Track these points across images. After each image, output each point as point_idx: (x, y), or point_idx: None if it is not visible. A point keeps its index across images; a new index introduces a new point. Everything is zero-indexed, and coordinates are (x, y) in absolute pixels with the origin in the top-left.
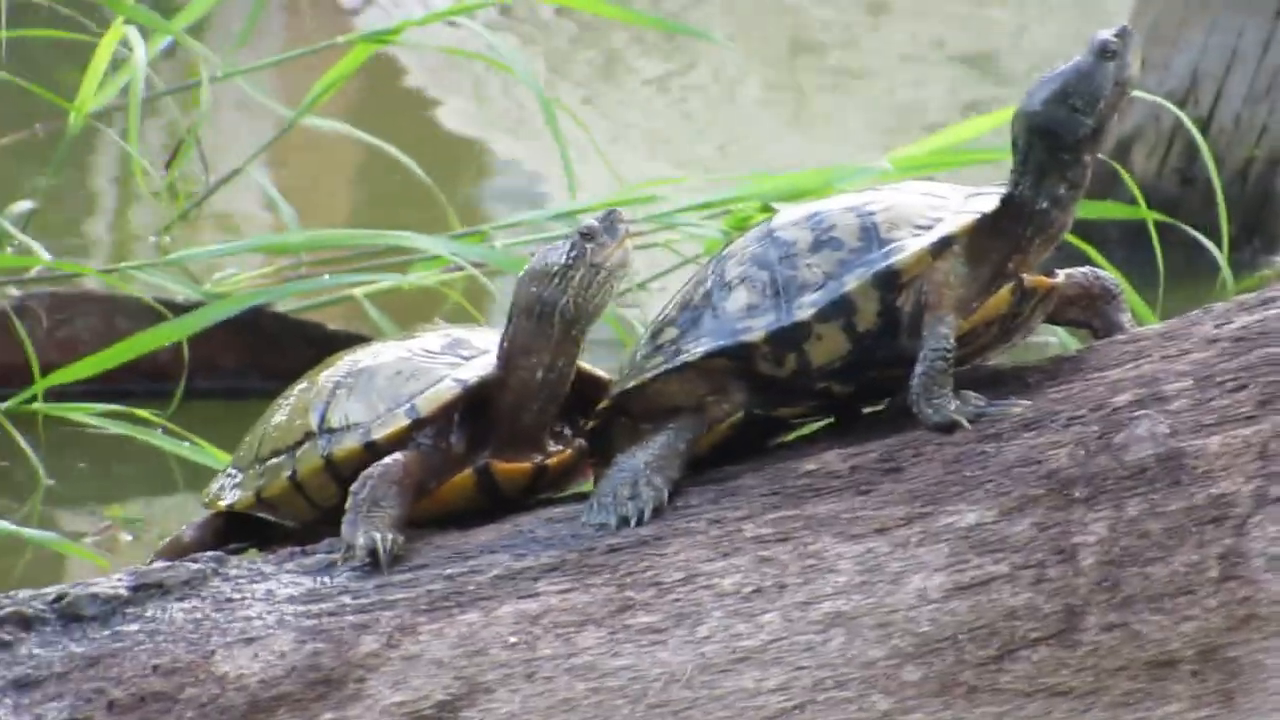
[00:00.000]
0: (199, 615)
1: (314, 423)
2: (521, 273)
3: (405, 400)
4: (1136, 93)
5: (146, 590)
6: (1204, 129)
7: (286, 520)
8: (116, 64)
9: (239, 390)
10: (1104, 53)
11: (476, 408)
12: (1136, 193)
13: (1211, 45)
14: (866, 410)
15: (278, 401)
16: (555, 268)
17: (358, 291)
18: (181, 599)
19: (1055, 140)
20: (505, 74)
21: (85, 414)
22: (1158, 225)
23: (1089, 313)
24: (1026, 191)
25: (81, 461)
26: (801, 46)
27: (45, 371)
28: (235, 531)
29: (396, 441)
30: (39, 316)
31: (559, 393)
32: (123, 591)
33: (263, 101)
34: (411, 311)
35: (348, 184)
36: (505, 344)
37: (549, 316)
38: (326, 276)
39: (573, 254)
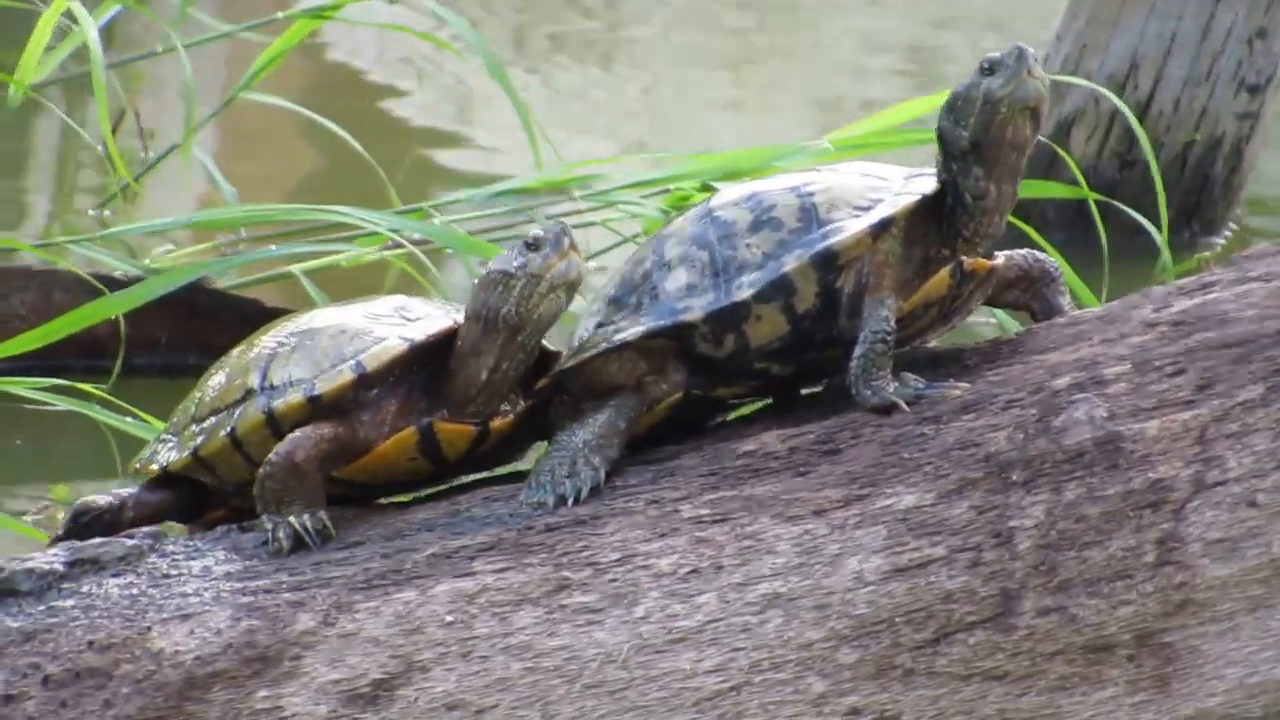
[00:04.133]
0: (135, 591)
1: (255, 382)
2: (476, 278)
3: (351, 356)
4: (1075, 79)
5: (82, 566)
6: (1143, 112)
7: (223, 484)
8: (54, 42)
9: (176, 366)
10: (982, 68)
11: (422, 370)
12: (1077, 173)
13: (1151, 29)
14: (805, 391)
15: (214, 367)
16: (499, 276)
17: (296, 268)
18: (117, 575)
19: (946, 149)
20: (447, 52)
21: (26, 388)
22: (1098, 207)
23: (1028, 295)
24: (950, 187)
25: (19, 438)
26: (741, 29)
27: None
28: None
29: (340, 395)
30: None
31: (504, 390)
32: (59, 567)
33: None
34: (350, 289)
35: (288, 162)
36: (459, 342)
37: (494, 323)
38: (273, 247)
39: (516, 264)
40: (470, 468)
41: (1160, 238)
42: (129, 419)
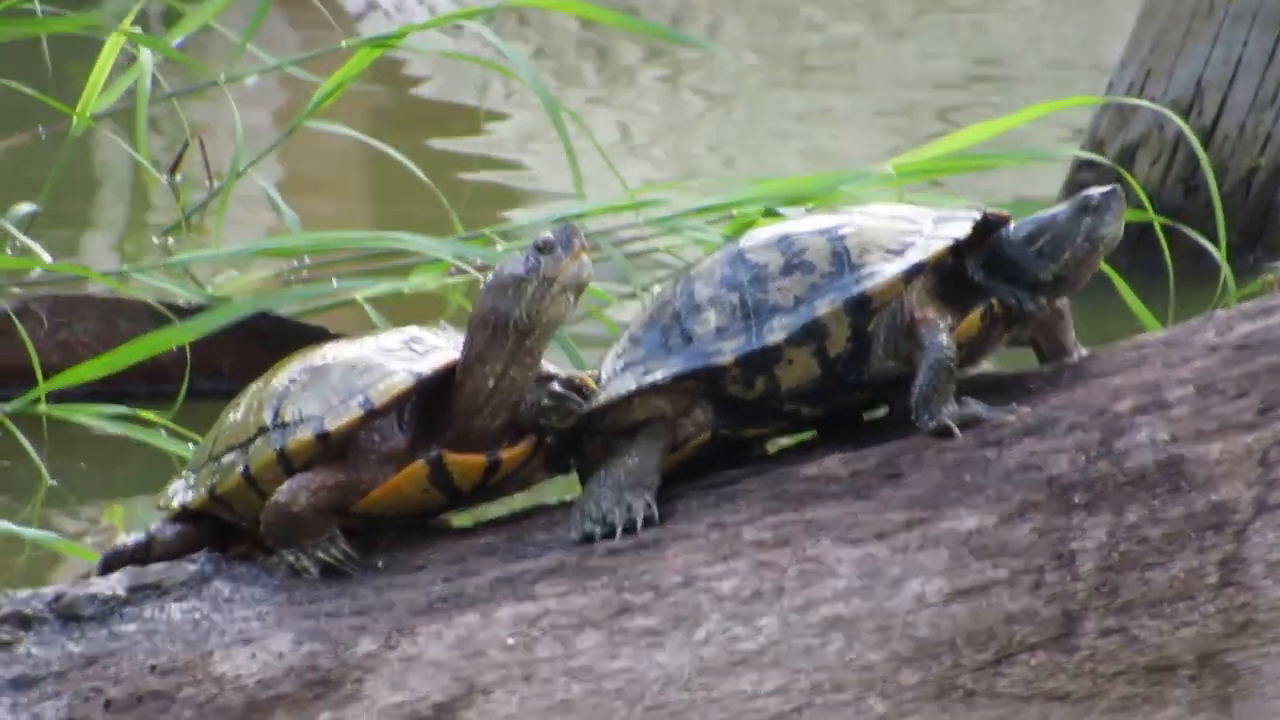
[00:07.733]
0: (197, 615)
1: (268, 419)
2: (482, 284)
3: (359, 392)
4: (1140, 101)
5: (144, 591)
6: (1208, 138)
7: (242, 520)
8: (121, 64)
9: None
10: (1083, 208)
11: (430, 403)
12: (1144, 197)
13: (1216, 55)
14: (867, 416)
15: (232, 403)
16: (510, 280)
17: (360, 295)
18: (179, 599)
19: (1018, 275)
20: (510, 79)
21: (91, 415)
22: (1163, 231)
23: (1039, 332)
24: (1001, 299)
25: (83, 462)
26: (807, 51)
27: (45, 374)
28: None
29: (350, 432)
30: (40, 319)
31: (511, 399)
32: (120, 592)
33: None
34: (414, 315)
35: (351, 188)
36: (464, 351)
37: (503, 328)
38: (335, 282)
39: (527, 267)
40: (487, 496)
41: (1223, 262)
42: (190, 444)
